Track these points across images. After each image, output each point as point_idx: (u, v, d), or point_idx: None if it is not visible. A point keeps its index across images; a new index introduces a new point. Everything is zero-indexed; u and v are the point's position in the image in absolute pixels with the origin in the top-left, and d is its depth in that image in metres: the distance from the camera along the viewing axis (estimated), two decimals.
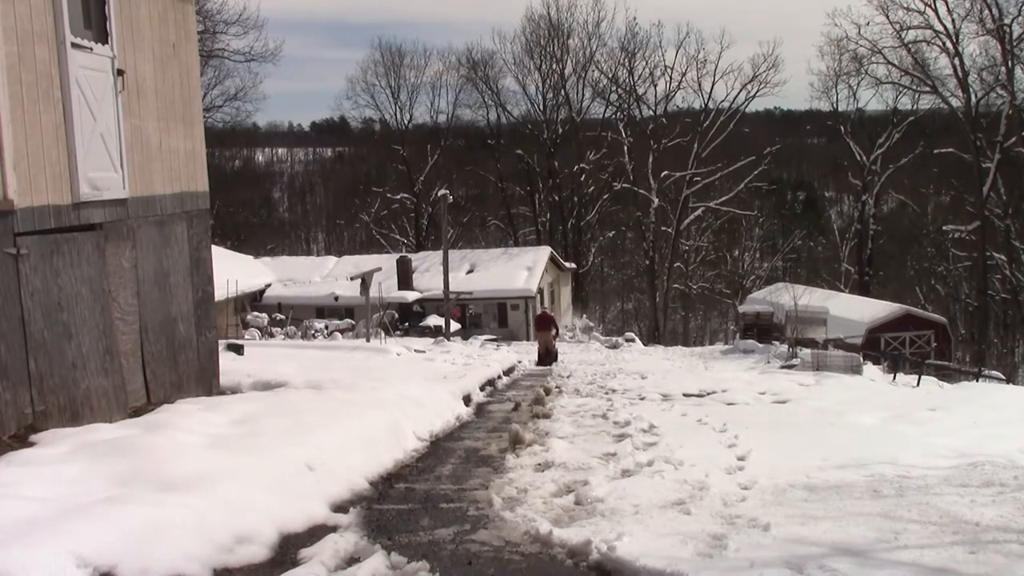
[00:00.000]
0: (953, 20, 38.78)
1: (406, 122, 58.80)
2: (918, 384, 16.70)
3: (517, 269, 37.32)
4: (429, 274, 36.65)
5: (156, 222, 8.65)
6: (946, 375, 22.49)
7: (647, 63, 51.36)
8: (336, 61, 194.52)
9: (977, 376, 22.78)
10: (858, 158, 47.98)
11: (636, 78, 51.38)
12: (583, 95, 53.85)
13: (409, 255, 40.27)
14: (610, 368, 19.40)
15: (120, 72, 7.85)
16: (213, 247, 10.48)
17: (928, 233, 49.16)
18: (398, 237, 57.29)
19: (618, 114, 52.49)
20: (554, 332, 21.77)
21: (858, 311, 31.83)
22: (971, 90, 39.79)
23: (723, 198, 51.10)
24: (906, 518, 5.41)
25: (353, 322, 32.03)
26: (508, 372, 16.73)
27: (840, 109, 49.51)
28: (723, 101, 50.09)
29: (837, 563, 4.49)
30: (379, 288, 27.78)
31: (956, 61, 39.51)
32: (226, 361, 11.48)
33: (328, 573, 4.60)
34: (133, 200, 8.15)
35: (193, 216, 9.41)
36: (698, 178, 49.15)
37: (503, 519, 5.59)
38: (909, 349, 28.96)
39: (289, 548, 4.97)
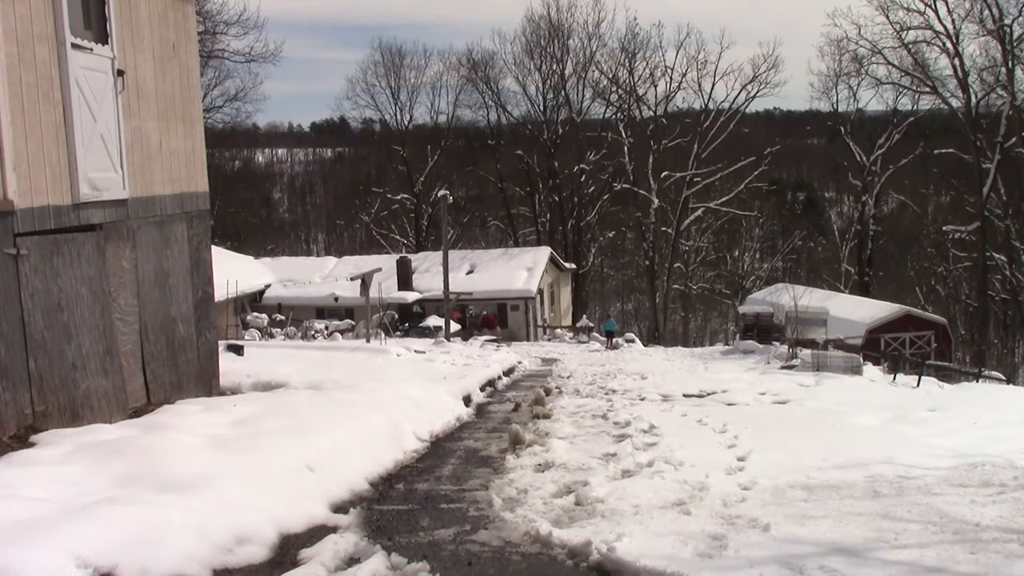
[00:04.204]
0: (953, 20, 38.80)
1: (406, 122, 58.82)
2: (918, 385, 16.66)
3: (517, 269, 37.27)
4: (429, 275, 36.61)
5: (156, 223, 8.66)
6: (946, 376, 22.43)
7: (647, 63, 51.38)
8: (336, 62, 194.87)
9: (977, 377, 22.72)
10: (858, 158, 47.97)
11: (636, 79, 51.40)
12: (583, 95, 53.87)
13: (409, 256, 40.19)
14: (610, 369, 19.38)
15: (120, 72, 7.86)
16: (213, 247, 10.49)
17: (928, 233, 49.14)
18: (398, 238, 57.25)
19: (618, 114, 52.50)
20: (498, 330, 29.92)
21: (858, 312, 31.81)
22: (971, 90, 39.77)
23: (723, 199, 51.07)
24: (906, 518, 5.42)
25: (353, 323, 32.03)
26: (508, 373, 16.72)
27: (840, 110, 49.53)
28: (723, 101, 50.14)
29: (837, 563, 4.49)
30: (379, 289, 27.75)
31: (956, 62, 39.51)
32: (226, 362, 11.48)
33: (328, 574, 4.60)
34: (133, 200, 8.16)
35: (193, 217, 9.42)
36: (698, 178, 49.13)
37: (503, 520, 5.59)
38: (909, 350, 28.93)
39: (289, 548, 4.97)
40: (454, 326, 30.77)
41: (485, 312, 33.66)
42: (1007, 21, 36.93)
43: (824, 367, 17.65)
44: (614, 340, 32.64)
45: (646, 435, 8.55)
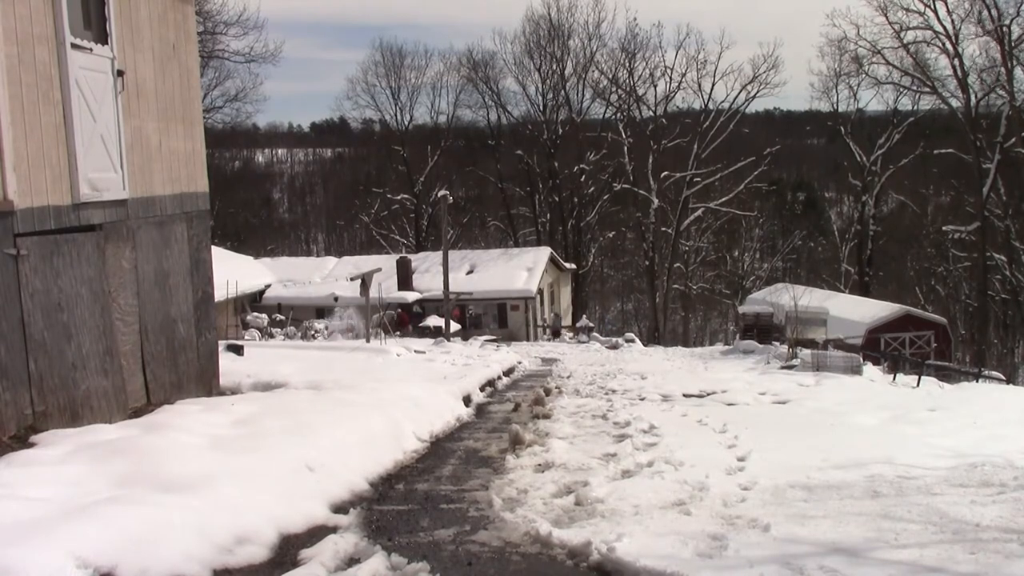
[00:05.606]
0: (953, 21, 38.80)
1: (406, 123, 58.81)
2: (918, 385, 16.66)
3: (517, 270, 37.27)
4: (429, 275, 36.61)
5: (156, 223, 8.66)
6: (946, 376, 22.43)
7: (647, 64, 51.35)
8: (336, 62, 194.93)
9: (977, 377, 22.72)
10: (858, 159, 47.97)
11: (636, 79, 51.36)
12: (583, 96, 53.87)
13: (409, 256, 40.20)
14: (610, 369, 19.36)
15: (120, 73, 7.86)
16: (213, 247, 10.48)
17: (928, 233, 49.12)
18: (398, 238, 57.25)
19: (618, 115, 52.45)
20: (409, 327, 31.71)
21: (858, 311, 31.81)
22: (971, 91, 39.77)
23: (723, 199, 51.05)
24: (905, 518, 5.42)
25: (353, 322, 32.03)
26: (508, 373, 16.70)
27: (840, 110, 49.50)
28: (723, 102, 50.09)
29: (836, 563, 4.49)
30: (379, 289, 27.76)
31: (956, 62, 39.51)
32: (226, 362, 11.48)
33: (328, 574, 4.60)
34: (133, 201, 8.16)
35: (193, 217, 9.42)
36: (698, 179, 49.12)
37: (503, 520, 5.59)
38: (909, 350, 28.93)
39: (289, 549, 4.97)
40: (454, 326, 30.81)
41: (399, 310, 33.77)
42: (1006, 22, 36.96)
43: (824, 367, 17.63)
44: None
45: (646, 435, 8.54)
